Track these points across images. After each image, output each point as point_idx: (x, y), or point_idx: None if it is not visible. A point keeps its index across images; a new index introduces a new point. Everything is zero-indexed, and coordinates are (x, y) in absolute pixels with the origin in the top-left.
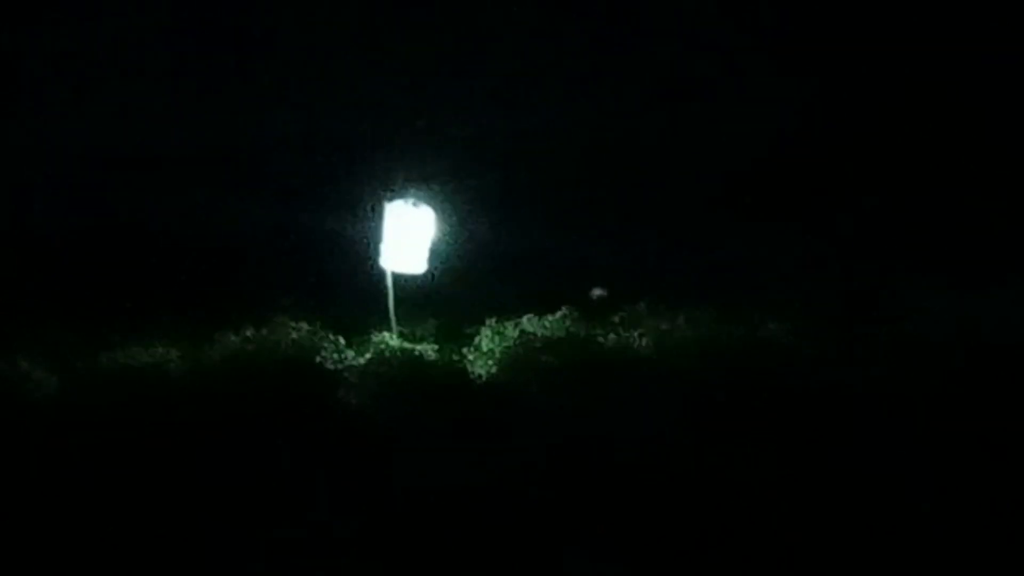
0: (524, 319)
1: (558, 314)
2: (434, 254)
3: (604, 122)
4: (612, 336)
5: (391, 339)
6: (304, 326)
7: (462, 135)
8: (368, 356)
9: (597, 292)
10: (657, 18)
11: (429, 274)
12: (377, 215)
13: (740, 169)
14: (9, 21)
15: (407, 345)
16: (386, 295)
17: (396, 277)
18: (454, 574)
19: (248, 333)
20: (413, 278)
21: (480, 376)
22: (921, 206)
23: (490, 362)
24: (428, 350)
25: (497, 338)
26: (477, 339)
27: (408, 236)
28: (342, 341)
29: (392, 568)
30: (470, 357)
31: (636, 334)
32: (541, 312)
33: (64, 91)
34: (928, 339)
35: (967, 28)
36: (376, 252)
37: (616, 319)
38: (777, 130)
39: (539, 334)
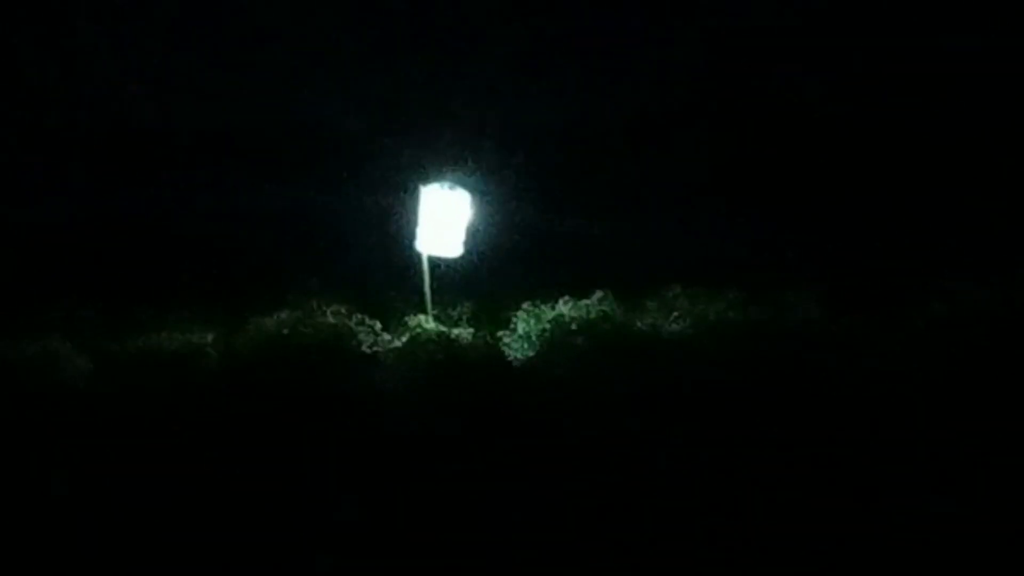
0: (560, 302)
1: (593, 297)
2: (470, 237)
3: (642, 107)
4: (647, 319)
5: (427, 322)
6: (340, 309)
7: (499, 118)
8: (404, 339)
9: None
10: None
11: (465, 258)
12: (413, 199)
13: (773, 154)
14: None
15: (443, 328)
16: (422, 279)
17: (432, 261)
18: (488, 553)
19: (284, 316)
20: (449, 262)
21: (516, 359)
22: (946, 191)
23: (526, 345)
24: (464, 333)
25: (533, 321)
26: (513, 322)
27: (444, 219)
28: (378, 325)
29: (427, 548)
30: (506, 340)
31: (671, 317)
32: (577, 295)
33: (96, 75)
34: (953, 323)
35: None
36: (412, 236)
37: (651, 302)
38: (805, 113)
39: (575, 317)
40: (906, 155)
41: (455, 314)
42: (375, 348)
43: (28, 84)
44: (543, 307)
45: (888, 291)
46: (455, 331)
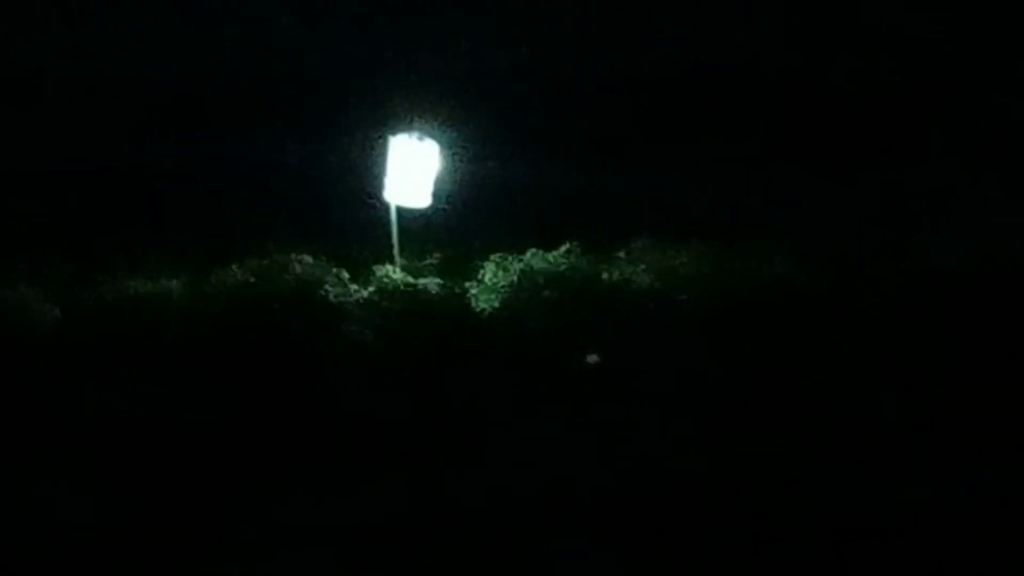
0: (528, 254)
1: (561, 249)
2: (438, 188)
3: (613, 55)
4: (615, 271)
5: (395, 273)
6: (308, 259)
7: (468, 68)
8: (371, 290)
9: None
10: None
11: (433, 208)
12: (382, 148)
13: (746, 104)
14: None
15: (410, 279)
16: (390, 229)
17: (400, 211)
18: (454, 503)
19: (251, 265)
20: (417, 212)
21: (483, 310)
22: (923, 149)
23: (493, 296)
24: (432, 284)
25: (500, 273)
26: (481, 273)
27: (412, 170)
28: (346, 274)
29: (393, 500)
30: (473, 291)
31: (639, 269)
32: (545, 247)
33: (68, 24)
34: (932, 273)
35: None
36: (380, 186)
37: (619, 254)
38: (779, 63)
39: (542, 269)
40: (883, 111)
41: (423, 264)
42: (342, 298)
43: None
44: (511, 258)
45: (862, 247)
46: (422, 281)
